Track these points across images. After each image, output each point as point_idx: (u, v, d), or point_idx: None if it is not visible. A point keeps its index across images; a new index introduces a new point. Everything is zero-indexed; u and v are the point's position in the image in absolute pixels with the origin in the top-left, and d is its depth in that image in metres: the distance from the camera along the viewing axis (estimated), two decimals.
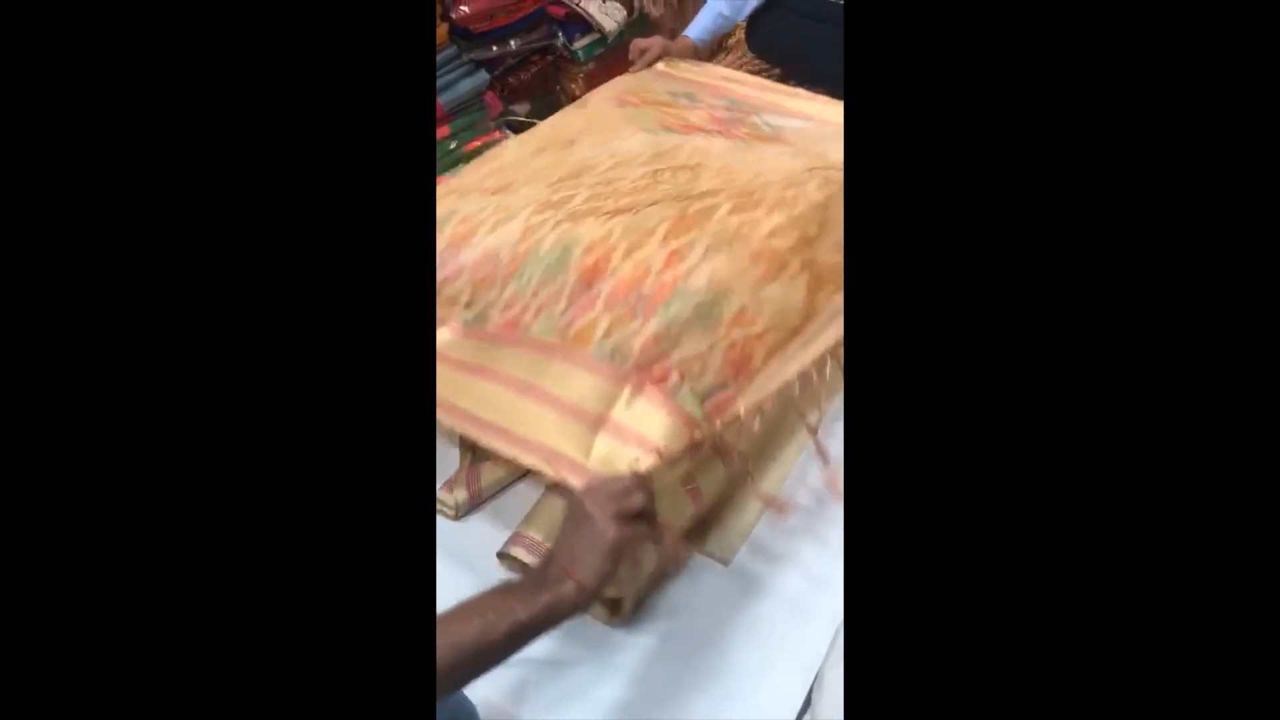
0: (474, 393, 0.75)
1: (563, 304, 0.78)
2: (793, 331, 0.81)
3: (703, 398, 0.71)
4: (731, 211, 0.87)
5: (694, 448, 0.67)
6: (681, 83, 1.36)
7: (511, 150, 1.12)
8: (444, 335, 0.81)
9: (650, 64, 1.43)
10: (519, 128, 1.58)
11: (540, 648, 0.69)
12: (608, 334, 0.75)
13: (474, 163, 1.14)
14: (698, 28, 1.47)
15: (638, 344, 0.73)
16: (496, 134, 1.50)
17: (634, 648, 0.70)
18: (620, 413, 0.70)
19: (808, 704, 0.64)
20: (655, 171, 0.97)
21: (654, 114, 1.19)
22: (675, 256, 0.80)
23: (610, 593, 0.69)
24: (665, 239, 0.83)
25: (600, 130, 1.12)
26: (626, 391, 0.71)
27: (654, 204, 0.88)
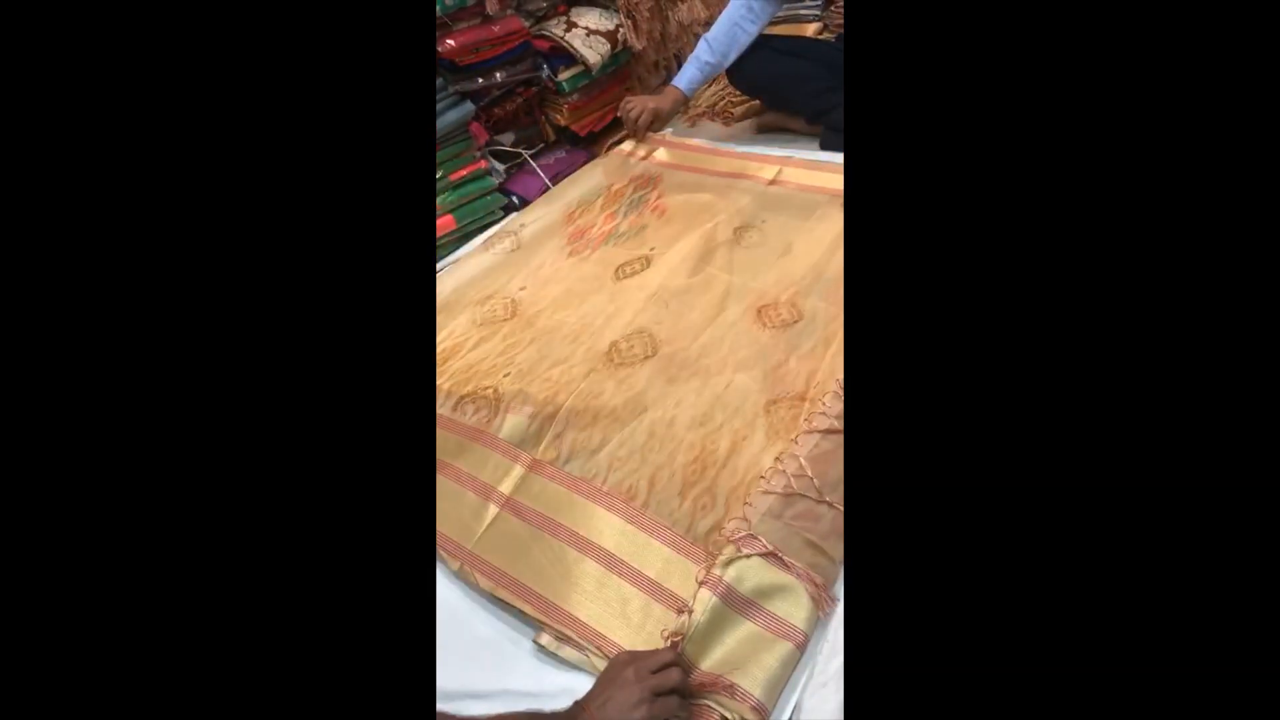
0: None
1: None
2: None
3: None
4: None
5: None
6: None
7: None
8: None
9: (644, 132, 1.49)
10: (504, 157, 1.60)
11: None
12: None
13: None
14: (685, 78, 1.49)
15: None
16: (482, 163, 1.52)
17: None
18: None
19: None
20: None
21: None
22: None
23: None
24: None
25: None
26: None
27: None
